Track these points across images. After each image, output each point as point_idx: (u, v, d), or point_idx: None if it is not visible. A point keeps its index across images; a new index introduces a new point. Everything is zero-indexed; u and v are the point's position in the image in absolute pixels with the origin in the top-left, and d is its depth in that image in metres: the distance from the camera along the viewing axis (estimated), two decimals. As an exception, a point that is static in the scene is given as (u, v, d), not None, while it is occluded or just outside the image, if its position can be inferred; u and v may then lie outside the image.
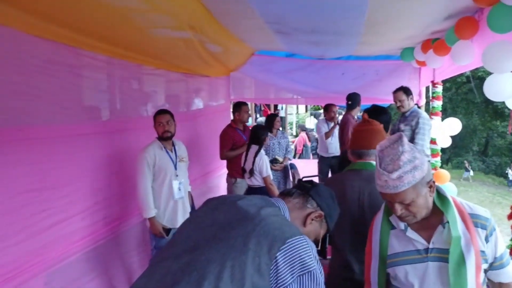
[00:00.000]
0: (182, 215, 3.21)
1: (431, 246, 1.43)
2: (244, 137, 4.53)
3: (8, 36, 2.02)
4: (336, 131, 5.50)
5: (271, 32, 3.73)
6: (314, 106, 13.12)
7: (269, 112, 9.18)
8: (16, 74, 2.10)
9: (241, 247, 1.11)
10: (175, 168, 3.17)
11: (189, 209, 3.34)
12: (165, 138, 3.13)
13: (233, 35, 3.93)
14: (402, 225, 1.47)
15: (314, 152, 9.53)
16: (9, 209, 2.04)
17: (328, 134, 5.67)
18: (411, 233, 1.45)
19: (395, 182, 1.33)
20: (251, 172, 3.93)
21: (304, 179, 1.51)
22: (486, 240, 1.41)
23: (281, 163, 4.87)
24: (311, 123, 12.13)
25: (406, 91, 4.06)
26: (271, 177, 4.04)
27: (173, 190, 3.14)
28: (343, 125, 4.82)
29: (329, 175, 5.74)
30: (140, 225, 3.40)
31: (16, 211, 2.09)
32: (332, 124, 5.69)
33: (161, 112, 3.15)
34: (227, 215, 1.24)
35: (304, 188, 1.41)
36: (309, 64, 5.64)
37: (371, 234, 1.56)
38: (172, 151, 3.20)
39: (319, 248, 1.44)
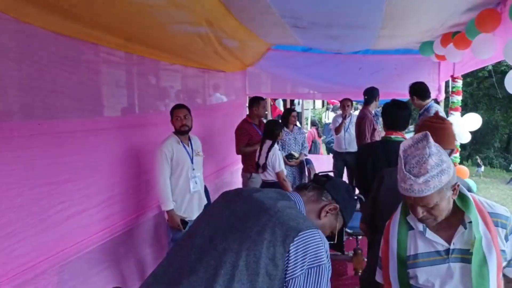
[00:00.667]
0: (198, 208, 3.26)
1: (452, 247, 1.40)
2: (260, 132, 4.53)
3: (29, 32, 2.06)
4: (352, 126, 5.45)
5: (287, 26, 3.71)
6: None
7: (277, 109, 9.14)
8: (36, 70, 2.15)
9: (256, 238, 1.13)
10: (192, 162, 3.21)
11: (205, 202, 3.38)
12: (182, 132, 3.16)
13: (249, 30, 3.92)
14: (420, 226, 1.44)
15: (330, 147, 9.49)
16: (27, 201, 2.09)
17: (337, 129, 5.63)
18: (430, 234, 1.42)
19: (420, 187, 1.28)
20: (264, 167, 3.94)
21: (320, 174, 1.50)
22: (506, 239, 1.38)
23: (297, 158, 4.85)
24: (329, 118, 12.03)
25: (411, 90, 3.97)
26: (285, 172, 4.03)
27: (190, 183, 3.19)
28: (360, 121, 4.76)
29: (345, 171, 5.70)
30: (155, 218, 3.46)
31: (34, 203, 2.14)
32: (347, 119, 5.64)
33: (178, 107, 3.19)
34: (243, 206, 1.26)
35: (319, 181, 1.40)
36: (325, 58, 5.58)
37: (388, 235, 1.53)
38: (188, 145, 3.24)
39: (335, 242, 1.42)
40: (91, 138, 2.63)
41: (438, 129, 1.84)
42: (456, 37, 3.58)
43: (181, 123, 3.14)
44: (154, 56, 3.39)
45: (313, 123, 11.65)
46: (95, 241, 2.68)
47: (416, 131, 1.90)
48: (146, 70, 3.41)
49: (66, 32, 2.29)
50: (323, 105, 14.51)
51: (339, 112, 6.23)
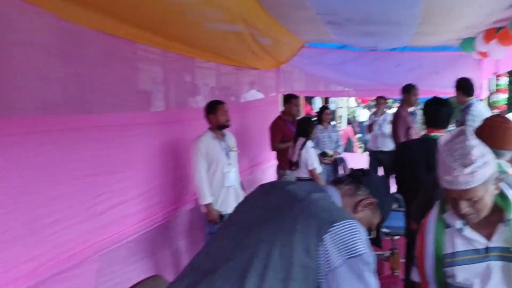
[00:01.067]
0: (234, 203, 3.31)
1: (491, 245, 1.36)
2: (294, 129, 4.54)
3: (74, 31, 2.16)
4: (386, 124, 5.35)
5: (322, 23, 3.68)
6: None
7: (307, 107, 9.07)
8: (78, 66, 2.25)
9: (290, 228, 1.14)
10: (227, 157, 3.28)
11: (241, 197, 3.43)
12: (225, 127, 3.26)
13: (283, 27, 3.93)
14: (458, 224, 1.40)
15: (366, 145, 9.34)
16: (70, 191, 2.18)
17: (370, 127, 5.54)
18: (469, 232, 1.38)
19: (466, 178, 1.25)
20: (297, 165, 3.94)
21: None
22: None
23: (331, 156, 4.81)
24: (363, 116, 11.83)
25: (457, 85, 3.85)
26: (319, 170, 4.02)
27: (225, 178, 3.26)
28: (395, 119, 4.66)
29: (380, 170, 5.60)
30: (191, 212, 3.53)
31: (76, 194, 2.23)
32: (380, 117, 5.53)
33: (221, 102, 3.28)
34: (277, 198, 1.27)
35: (356, 175, 1.38)
36: (361, 55, 5.51)
37: (423, 233, 1.50)
38: (223, 141, 3.31)
39: (373, 236, 1.40)
40: (129, 132, 2.72)
41: (502, 129, 1.76)
42: (500, 32, 3.44)
43: (226, 117, 3.24)
44: (189, 54, 3.46)
45: (349, 121, 11.47)
46: (133, 232, 2.77)
47: (477, 129, 1.79)
48: (182, 67, 3.49)
49: (109, 30, 2.39)
50: (357, 103, 14.27)
51: (373, 110, 6.14)
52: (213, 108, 3.24)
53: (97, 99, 2.40)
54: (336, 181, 1.39)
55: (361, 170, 1.44)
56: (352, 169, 1.48)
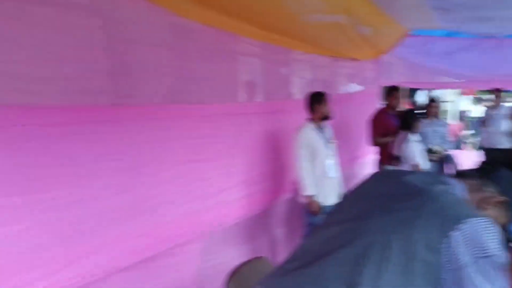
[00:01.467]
0: (334, 194, 3.31)
1: None
2: (396, 123, 4.33)
3: (180, 25, 2.33)
4: (502, 120, 4.80)
5: (428, 8, 3.43)
6: (478, 91, 11.59)
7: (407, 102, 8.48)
8: (183, 59, 2.39)
9: (410, 221, 1.07)
10: (327, 149, 3.29)
11: (342, 189, 3.40)
12: (326, 118, 3.29)
13: (385, 15, 3.75)
14: None
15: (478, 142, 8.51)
16: (174, 176, 2.33)
17: (483, 123, 4.99)
18: None
19: None
20: (398, 159, 3.75)
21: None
22: None
23: (438, 153, 4.48)
24: (476, 110, 10.76)
25: None
26: (424, 166, 3.77)
27: (326, 170, 3.27)
28: (510, 114, 4.16)
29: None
30: (289, 202, 3.59)
31: (179, 179, 2.38)
32: (496, 111, 4.97)
33: (326, 93, 3.31)
34: (394, 188, 1.22)
35: (484, 169, 1.28)
36: (474, 43, 4.98)
37: None
38: (323, 133, 3.33)
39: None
40: (232, 121, 2.85)
41: None
42: None
43: (329, 109, 3.27)
44: (288, 46, 3.50)
45: (460, 116, 10.53)
46: (233, 218, 2.90)
47: None
48: (281, 59, 3.54)
49: (213, 23, 2.52)
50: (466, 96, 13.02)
51: (490, 104, 5.54)
52: (318, 99, 3.27)
53: (204, 90, 2.56)
54: (459, 174, 1.29)
55: (490, 164, 1.32)
56: (482, 162, 1.35)
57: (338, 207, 1.37)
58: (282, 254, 2.48)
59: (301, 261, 1.20)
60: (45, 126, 1.65)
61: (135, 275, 2.06)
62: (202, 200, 2.57)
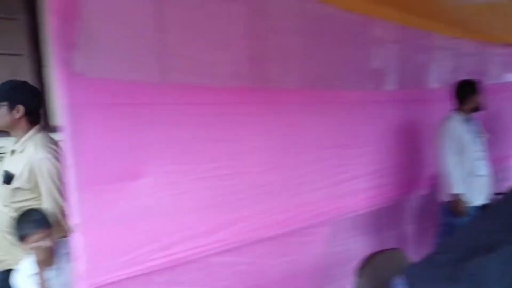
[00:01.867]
0: (482, 194, 3.01)
1: None
2: None
3: (325, 13, 2.36)
4: None
5: None
6: None
7: None
8: (327, 46, 2.43)
9: None
10: (476, 144, 3.00)
11: (491, 189, 3.06)
12: (478, 110, 3.05)
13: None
14: None
15: None
16: (317, 159, 2.42)
17: None
18: None
19: None
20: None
21: None
22: None
23: None
24: None
25: None
26: None
27: (475, 167, 2.97)
28: None
29: None
30: (423, 198, 3.36)
31: (321, 162, 2.46)
32: None
33: (480, 82, 3.07)
34: None
35: None
36: None
37: None
38: (472, 126, 3.04)
39: None
40: (367, 109, 2.78)
41: None
42: None
43: (482, 99, 3.02)
44: (428, 29, 3.24)
45: None
46: (362, 207, 2.84)
47: None
48: (419, 44, 3.29)
49: (350, 7, 2.49)
50: None
51: None
52: (471, 88, 3.01)
53: (340, 76, 2.56)
54: None
55: None
56: None
57: (496, 204, 1.27)
58: (410, 252, 2.36)
59: (453, 255, 1.15)
60: (215, 104, 1.85)
61: (270, 247, 2.20)
62: (336, 185, 2.60)
